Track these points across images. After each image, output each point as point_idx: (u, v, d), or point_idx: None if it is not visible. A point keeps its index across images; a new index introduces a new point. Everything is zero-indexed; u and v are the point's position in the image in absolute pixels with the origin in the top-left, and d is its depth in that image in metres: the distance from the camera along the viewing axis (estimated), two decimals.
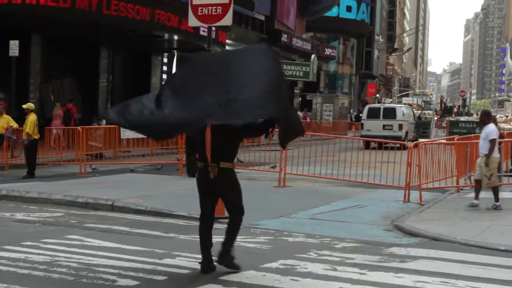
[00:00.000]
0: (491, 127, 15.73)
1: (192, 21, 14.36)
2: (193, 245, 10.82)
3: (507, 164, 20.97)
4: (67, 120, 30.13)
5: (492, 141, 15.51)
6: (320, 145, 21.59)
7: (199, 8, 14.05)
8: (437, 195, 17.70)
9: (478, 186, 15.84)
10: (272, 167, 21.13)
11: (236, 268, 9.12)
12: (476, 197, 15.64)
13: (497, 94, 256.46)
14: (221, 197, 9.31)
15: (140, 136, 24.65)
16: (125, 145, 25.88)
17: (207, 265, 9.10)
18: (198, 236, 9.32)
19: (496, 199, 15.36)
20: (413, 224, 13.31)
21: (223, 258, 9.13)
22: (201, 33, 30.88)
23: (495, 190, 15.51)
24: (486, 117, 16.35)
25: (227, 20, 14.01)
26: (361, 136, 36.56)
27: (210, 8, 13.92)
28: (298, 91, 67.22)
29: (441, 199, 17.11)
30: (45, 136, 24.12)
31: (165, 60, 41.81)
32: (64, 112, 30.89)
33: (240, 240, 10.96)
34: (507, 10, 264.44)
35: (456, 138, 21.60)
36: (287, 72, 56.44)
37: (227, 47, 41.76)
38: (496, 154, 15.81)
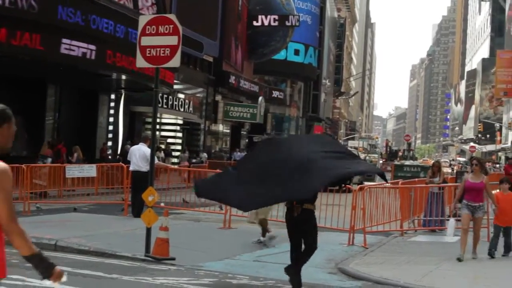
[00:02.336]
0: None
1: (140, 62, 14.33)
2: (137, 286, 10.75)
3: (450, 208, 21.24)
4: (55, 160, 29.89)
5: None
6: None
7: (147, 49, 14.04)
8: (381, 238, 17.84)
9: (263, 223, 16.42)
10: (219, 208, 20.98)
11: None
12: (263, 235, 16.33)
13: (441, 138, 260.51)
14: (300, 231, 10.85)
15: (86, 175, 24.62)
16: (70, 184, 25.59)
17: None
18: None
19: (263, 235, 16.28)
20: (357, 267, 13.39)
21: (289, 271, 10.74)
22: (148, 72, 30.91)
23: (264, 226, 16.32)
24: None
25: (175, 62, 14.00)
26: None
27: (158, 49, 13.91)
28: (245, 133, 67.52)
29: (385, 242, 17.24)
30: None
31: (113, 98, 41.59)
32: (54, 152, 30.75)
33: (184, 282, 10.92)
34: (451, 56, 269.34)
35: (400, 182, 21.85)
36: (234, 114, 56.90)
37: (175, 87, 41.82)
38: None
